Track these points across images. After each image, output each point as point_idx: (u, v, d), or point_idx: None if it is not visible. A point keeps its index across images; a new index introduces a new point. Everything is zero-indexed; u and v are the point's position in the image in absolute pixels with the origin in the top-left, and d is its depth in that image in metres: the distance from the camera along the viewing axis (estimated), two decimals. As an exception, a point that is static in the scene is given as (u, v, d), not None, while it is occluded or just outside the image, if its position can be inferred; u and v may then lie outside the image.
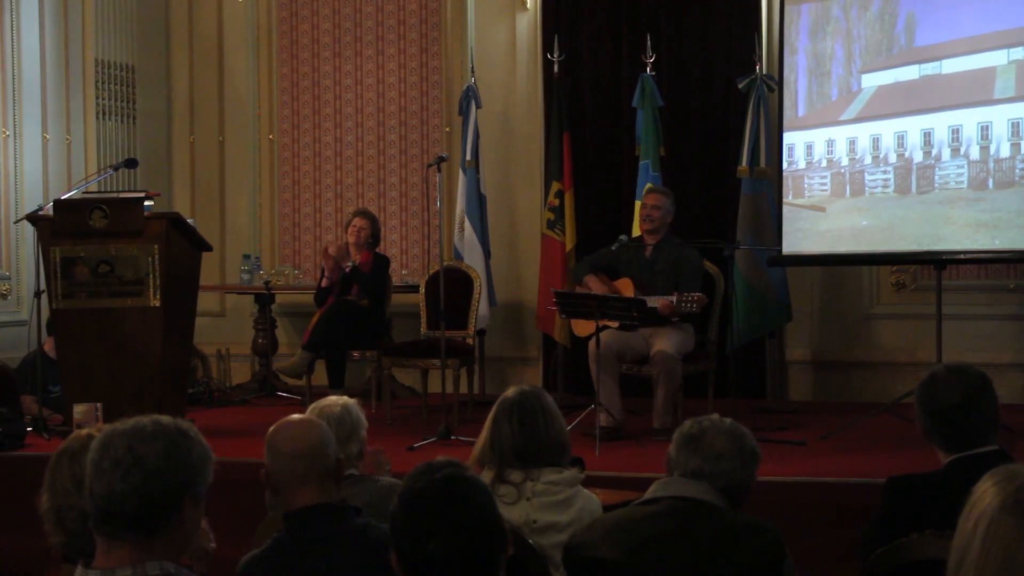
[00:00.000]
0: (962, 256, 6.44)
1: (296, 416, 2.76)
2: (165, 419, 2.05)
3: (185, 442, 2.02)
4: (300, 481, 2.61)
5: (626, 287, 6.23)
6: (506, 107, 8.14)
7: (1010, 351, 7.05)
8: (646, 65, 7.22)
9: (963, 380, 2.75)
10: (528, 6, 8.08)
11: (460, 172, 7.64)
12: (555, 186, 7.41)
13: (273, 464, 2.65)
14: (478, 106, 7.58)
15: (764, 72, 7.00)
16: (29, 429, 6.09)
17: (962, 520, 1.62)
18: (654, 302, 5.85)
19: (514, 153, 8.15)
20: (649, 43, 7.25)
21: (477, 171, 7.57)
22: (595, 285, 6.19)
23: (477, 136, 7.60)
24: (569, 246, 7.36)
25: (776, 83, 6.91)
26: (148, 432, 2.01)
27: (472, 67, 7.85)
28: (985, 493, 1.62)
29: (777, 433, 6.06)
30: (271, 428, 2.70)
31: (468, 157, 7.54)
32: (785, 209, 6.71)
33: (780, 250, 6.64)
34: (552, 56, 7.55)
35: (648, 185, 6.82)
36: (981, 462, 2.53)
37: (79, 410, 5.62)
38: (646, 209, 6.34)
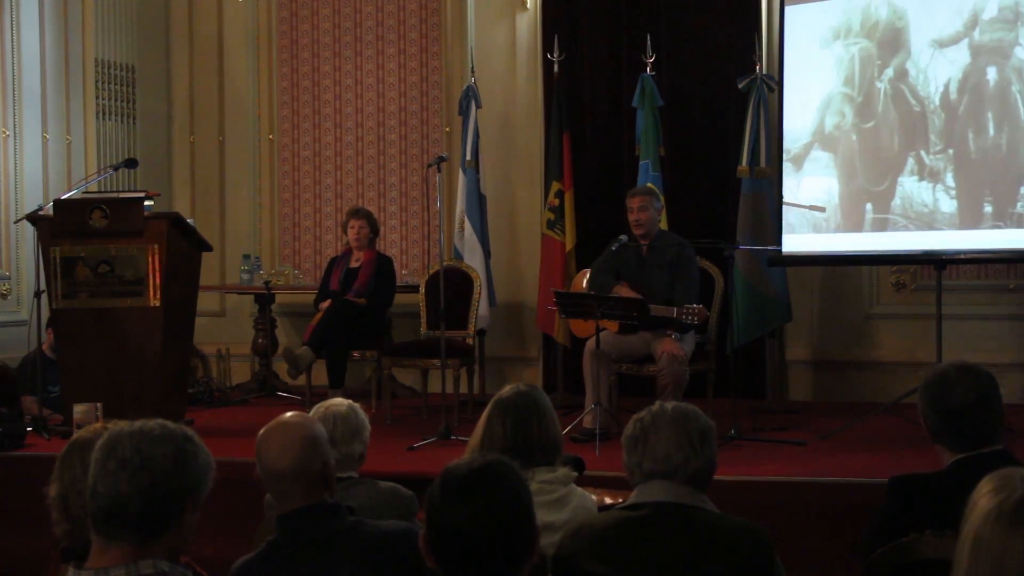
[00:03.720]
0: (962, 256, 6.44)
1: (288, 415, 2.70)
2: (170, 424, 2.06)
3: (191, 447, 2.04)
4: (290, 483, 2.58)
5: (624, 290, 6.21)
6: (506, 107, 8.14)
7: (1010, 351, 7.04)
8: (646, 65, 7.22)
9: (974, 379, 2.75)
10: (528, 6, 8.08)
11: (460, 172, 7.64)
12: (555, 186, 7.41)
13: (263, 466, 2.61)
14: (478, 106, 7.58)
15: (764, 72, 7.00)
16: (29, 429, 6.09)
17: (961, 527, 1.61)
18: (659, 311, 5.83)
19: (514, 153, 8.15)
20: (649, 43, 7.24)
21: (477, 171, 7.57)
22: (625, 294, 6.13)
23: (477, 136, 7.59)
24: (569, 246, 7.36)
25: (776, 83, 6.91)
26: (156, 435, 2.02)
27: (472, 67, 7.85)
28: (980, 500, 1.61)
29: (777, 433, 6.07)
30: (262, 429, 2.66)
31: (468, 157, 7.54)
32: (785, 210, 6.70)
33: (780, 250, 6.63)
34: (552, 56, 7.55)
35: (632, 189, 6.78)
36: (985, 462, 2.53)
37: (79, 410, 5.62)
38: (633, 214, 6.26)
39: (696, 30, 7.66)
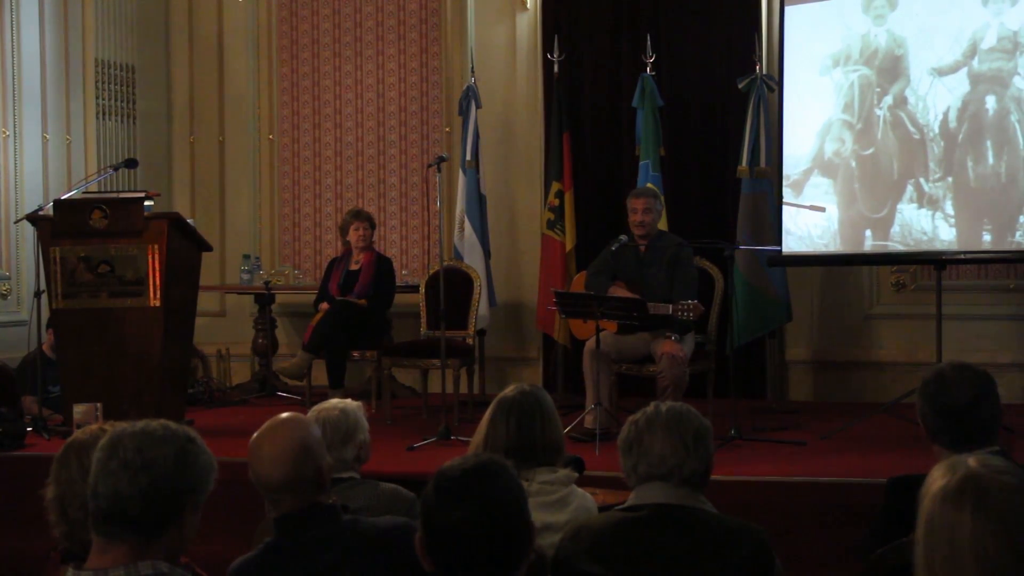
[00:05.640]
0: (962, 256, 6.44)
1: (279, 419, 2.68)
2: (173, 424, 2.06)
3: (193, 448, 2.04)
4: (284, 493, 2.57)
5: (619, 290, 6.21)
6: (506, 107, 8.14)
7: (1010, 351, 7.05)
8: (646, 65, 7.22)
9: (972, 378, 2.75)
10: (528, 6, 8.08)
11: (460, 172, 7.64)
12: (555, 186, 7.41)
13: (256, 477, 2.60)
14: (478, 106, 7.58)
15: (764, 72, 7.00)
16: (29, 429, 6.09)
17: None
18: (655, 309, 5.82)
19: (514, 153, 8.15)
20: (649, 43, 7.25)
21: (477, 171, 7.57)
22: (621, 294, 6.12)
23: (477, 136, 7.60)
24: (569, 246, 7.36)
25: (776, 83, 6.91)
26: (158, 436, 2.02)
27: (472, 67, 7.85)
28: (931, 485, 1.68)
29: (777, 433, 6.07)
30: (254, 435, 2.64)
31: (468, 157, 7.54)
32: (785, 209, 6.70)
33: (780, 250, 6.63)
34: (552, 56, 7.55)
35: (635, 189, 6.75)
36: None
37: (79, 410, 5.62)
38: (637, 215, 6.24)
39: (696, 30, 7.66)
